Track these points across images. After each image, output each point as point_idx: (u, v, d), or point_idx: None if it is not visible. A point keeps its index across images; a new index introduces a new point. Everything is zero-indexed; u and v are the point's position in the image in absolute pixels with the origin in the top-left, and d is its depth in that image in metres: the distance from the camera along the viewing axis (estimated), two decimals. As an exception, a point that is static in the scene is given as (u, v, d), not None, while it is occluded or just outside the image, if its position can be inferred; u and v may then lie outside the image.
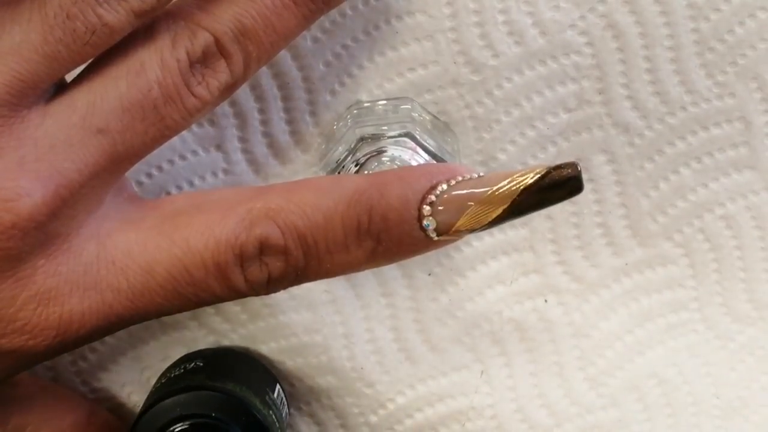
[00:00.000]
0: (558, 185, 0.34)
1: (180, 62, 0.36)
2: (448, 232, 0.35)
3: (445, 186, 0.35)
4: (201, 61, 0.36)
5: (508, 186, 0.34)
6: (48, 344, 0.36)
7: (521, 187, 0.34)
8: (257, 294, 0.37)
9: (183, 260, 0.36)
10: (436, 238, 0.35)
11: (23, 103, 0.34)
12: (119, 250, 0.36)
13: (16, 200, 0.34)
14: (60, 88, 0.36)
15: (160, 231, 0.37)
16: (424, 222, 0.35)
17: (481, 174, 0.35)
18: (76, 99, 0.35)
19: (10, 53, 0.34)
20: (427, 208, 0.35)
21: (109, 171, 0.36)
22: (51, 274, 0.35)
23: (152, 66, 0.35)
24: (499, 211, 0.34)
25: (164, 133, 0.36)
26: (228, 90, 0.37)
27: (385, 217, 0.35)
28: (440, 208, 0.35)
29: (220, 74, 0.37)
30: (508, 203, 0.34)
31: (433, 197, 0.35)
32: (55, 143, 0.34)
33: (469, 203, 0.34)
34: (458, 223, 0.35)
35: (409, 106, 0.44)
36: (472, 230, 0.35)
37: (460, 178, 0.35)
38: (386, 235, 0.35)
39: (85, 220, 0.36)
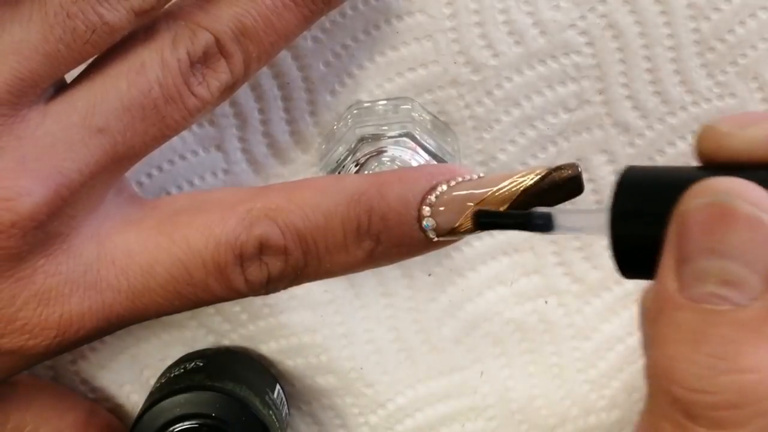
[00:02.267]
0: (558, 186, 0.34)
1: (180, 62, 0.36)
2: (448, 233, 0.35)
3: (444, 187, 0.35)
4: (201, 61, 0.36)
5: (508, 187, 0.34)
6: (48, 344, 0.36)
7: (521, 189, 0.34)
8: (257, 294, 0.37)
9: (183, 260, 0.36)
10: (435, 239, 0.35)
11: (23, 103, 0.34)
12: (119, 250, 0.36)
13: (17, 199, 0.34)
14: (60, 88, 0.36)
15: (160, 231, 0.37)
16: (424, 223, 0.35)
17: (481, 175, 0.35)
18: (76, 98, 0.35)
19: (10, 52, 0.34)
20: (426, 209, 0.35)
21: (109, 170, 0.36)
22: (51, 273, 0.35)
23: (153, 66, 0.35)
24: None
25: (164, 132, 0.36)
26: (228, 90, 0.37)
27: (384, 217, 0.35)
28: (440, 209, 0.35)
29: (221, 74, 0.37)
30: (508, 204, 0.34)
31: (432, 198, 0.35)
32: (56, 143, 0.34)
33: (469, 204, 0.34)
34: (458, 224, 0.35)
35: (409, 106, 0.44)
36: (472, 231, 0.35)
37: (460, 179, 0.35)
38: (386, 235, 0.36)
39: (85, 219, 0.36)
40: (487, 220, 0.34)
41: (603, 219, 0.30)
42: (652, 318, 0.29)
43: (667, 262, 0.28)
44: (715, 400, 0.27)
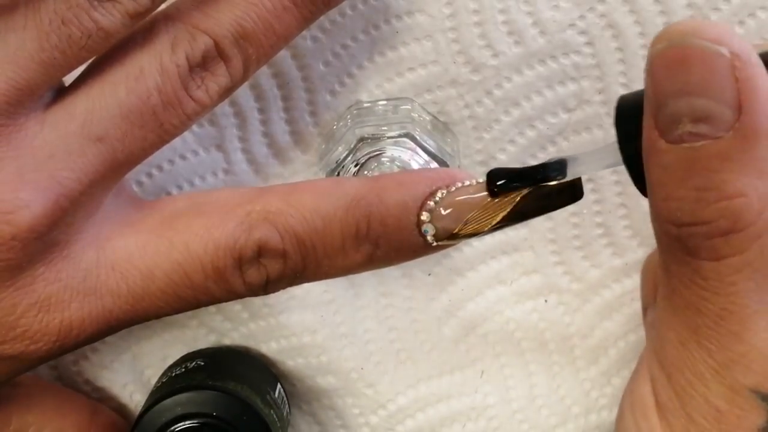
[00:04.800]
0: (558, 191, 0.34)
1: (179, 67, 0.35)
2: (447, 238, 0.35)
3: (444, 192, 0.35)
4: (200, 65, 0.36)
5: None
6: (48, 349, 0.36)
7: (521, 194, 0.34)
8: (255, 295, 0.37)
9: (182, 264, 0.36)
10: (434, 244, 0.35)
11: (21, 112, 0.34)
12: (118, 255, 0.36)
13: (16, 212, 0.34)
14: (58, 93, 0.36)
15: (159, 234, 0.37)
16: (423, 228, 0.35)
17: (481, 180, 0.35)
18: (74, 106, 0.35)
19: (6, 61, 0.34)
20: (426, 215, 0.35)
21: (108, 177, 0.36)
22: (51, 281, 0.35)
23: (151, 71, 0.35)
24: (499, 217, 0.34)
25: (163, 138, 0.36)
26: (227, 92, 0.37)
27: (383, 222, 0.35)
28: (439, 214, 0.35)
29: (220, 78, 0.36)
30: (508, 210, 0.34)
31: (432, 203, 0.35)
32: (54, 152, 0.34)
33: (469, 210, 0.34)
34: (457, 230, 0.35)
35: (409, 107, 0.43)
36: (472, 236, 0.35)
37: (459, 185, 0.35)
38: (384, 240, 0.36)
39: (85, 225, 0.36)
40: (503, 183, 0.34)
41: (613, 150, 0.32)
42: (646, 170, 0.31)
43: (646, 115, 0.30)
44: (710, 229, 0.29)
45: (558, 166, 0.33)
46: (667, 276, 0.32)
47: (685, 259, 0.30)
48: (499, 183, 0.34)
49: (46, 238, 0.35)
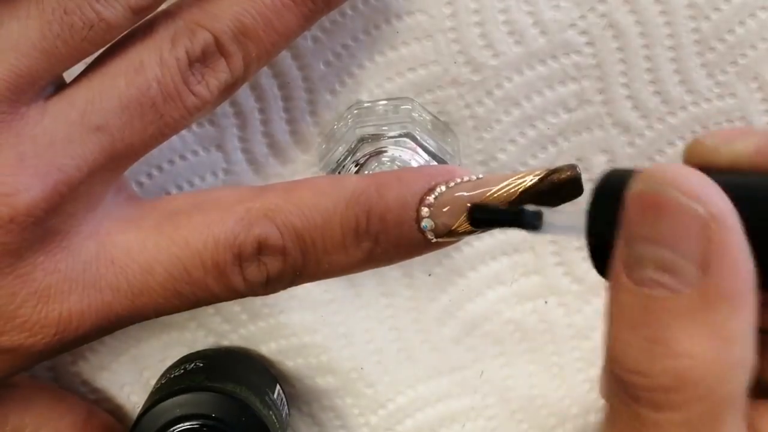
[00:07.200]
0: (557, 188, 0.34)
1: (179, 61, 0.36)
2: (447, 234, 0.35)
3: (443, 188, 0.35)
4: (201, 60, 0.36)
5: (507, 188, 0.34)
6: (47, 342, 0.36)
7: (519, 190, 0.34)
8: (256, 294, 0.37)
9: (182, 260, 0.36)
10: (434, 240, 0.35)
11: (22, 100, 0.34)
12: (119, 249, 0.36)
13: (15, 195, 0.34)
14: (59, 87, 0.36)
15: (159, 230, 0.37)
16: (423, 224, 0.35)
17: (480, 176, 0.35)
18: (75, 96, 0.35)
19: (8, 49, 0.34)
20: (425, 210, 0.35)
21: (108, 168, 0.36)
22: (50, 271, 0.35)
23: (151, 64, 0.35)
24: None
25: (163, 131, 0.36)
26: (228, 90, 0.37)
27: (383, 218, 0.35)
28: (439, 210, 0.35)
29: (220, 73, 0.37)
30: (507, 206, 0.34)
31: (431, 199, 0.35)
32: (54, 140, 0.34)
33: (468, 205, 0.34)
34: (456, 225, 0.35)
35: (410, 106, 0.44)
36: (471, 233, 0.35)
37: (458, 180, 0.35)
38: (384, 236, 0.36)
39: (85, 218, 0.36)
40: (481, 216, 0.34)
41: (583, 220, 0.30)
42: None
43: (618, 244, 0.29)
44: (652, 383, 0.28)
45: (535, 218, 0.32)
46: (610, 409, 0.30)
47: (626, 400, 0.29)
48: (477, 217, 0.34)
49: (44, 225, 0.35)
